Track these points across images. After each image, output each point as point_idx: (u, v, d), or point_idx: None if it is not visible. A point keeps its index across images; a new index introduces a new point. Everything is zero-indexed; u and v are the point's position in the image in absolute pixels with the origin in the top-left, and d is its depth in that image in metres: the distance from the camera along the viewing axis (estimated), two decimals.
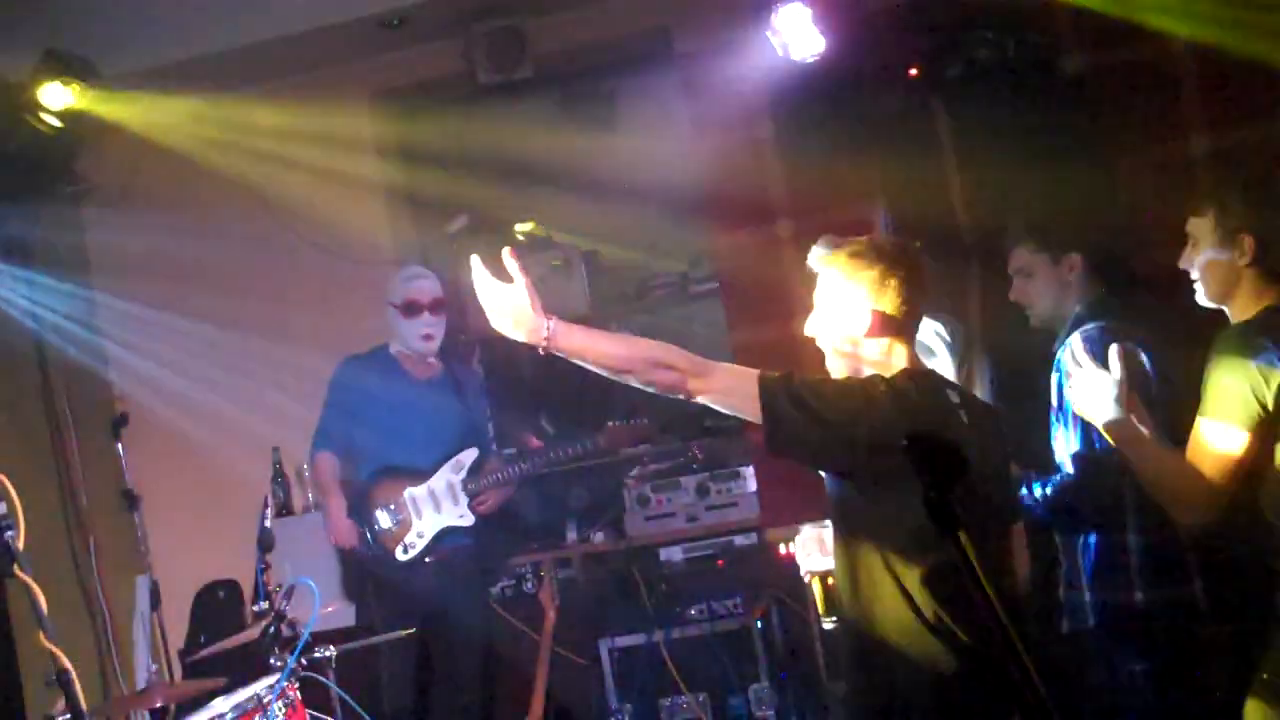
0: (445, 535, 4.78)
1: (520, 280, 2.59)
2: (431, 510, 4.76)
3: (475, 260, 2.60)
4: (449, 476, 4.78)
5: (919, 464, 1.79)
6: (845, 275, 2.72)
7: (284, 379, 5.61)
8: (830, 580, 3.07)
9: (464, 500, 4.77)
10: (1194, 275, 2.93)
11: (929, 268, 2.84)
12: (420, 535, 4.74)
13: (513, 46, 5.27)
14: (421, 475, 4.79)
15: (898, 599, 2.55)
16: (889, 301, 2.68)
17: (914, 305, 2.72)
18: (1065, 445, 3.29)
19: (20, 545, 2.66)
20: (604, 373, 2.59)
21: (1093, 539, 3.29)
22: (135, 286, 5.79)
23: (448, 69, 5.46)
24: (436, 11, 5.14)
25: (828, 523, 3.21)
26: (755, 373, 2.58)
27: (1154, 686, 3.22)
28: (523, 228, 6.55)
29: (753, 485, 5.21)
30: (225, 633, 4.89)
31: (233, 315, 5.71)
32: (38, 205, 5.17)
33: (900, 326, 2.71)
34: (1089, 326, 3.32)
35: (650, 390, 2.60)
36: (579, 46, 5.49)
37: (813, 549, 3.28)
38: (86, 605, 5.35)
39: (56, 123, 4.86)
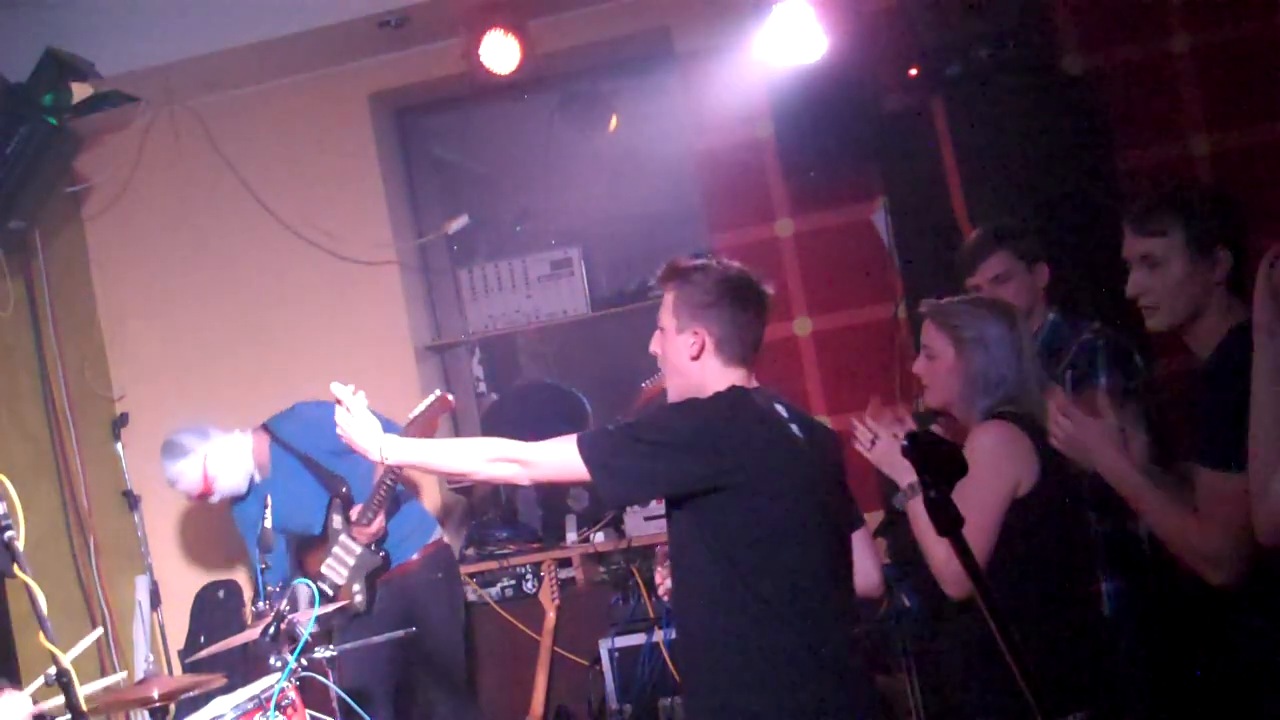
0: (377, 573, 4.76)
1: (359, 406, 2.77)
2: (348, 568, 4.74)
3: (336, 386, 2.79)
4: (338, 535, 4.75)
5: (919, 463, 1.79)
6: (679, 300, 2.81)
7: (284, 379, 5.61)
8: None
9: (360, 547, 4.73)
10: (1148, 302, 2.68)
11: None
12: (357, 591, 4.74)
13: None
14: (324, 542, 4.78)
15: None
16: (720, 327, 2.78)
17: (747, 330, 2.81)
18: None
19: (20, 545, 2.65)
20: (449, 477, 2.80)
21: (1103, 528, 3.34)
22: (135, 286, 5.80)
23: (448, 69, 5.46)
24: (437, 11, 5.13)
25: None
26: (573, 437, 2.67)
27: (1172, 671, 3.28)
28: (522, 227, 6.56)
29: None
30: (225, 633, 4.90)
31: (233, 315, 5.72)
32: (38, 205, 5.17)
33: (733, 351, 2.79)
34: (1102, 327, 3.39)
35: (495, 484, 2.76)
36: (579, 46, 5.49)
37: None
38: (86, 605, 5.36)
39: (56, 122, 4.87)
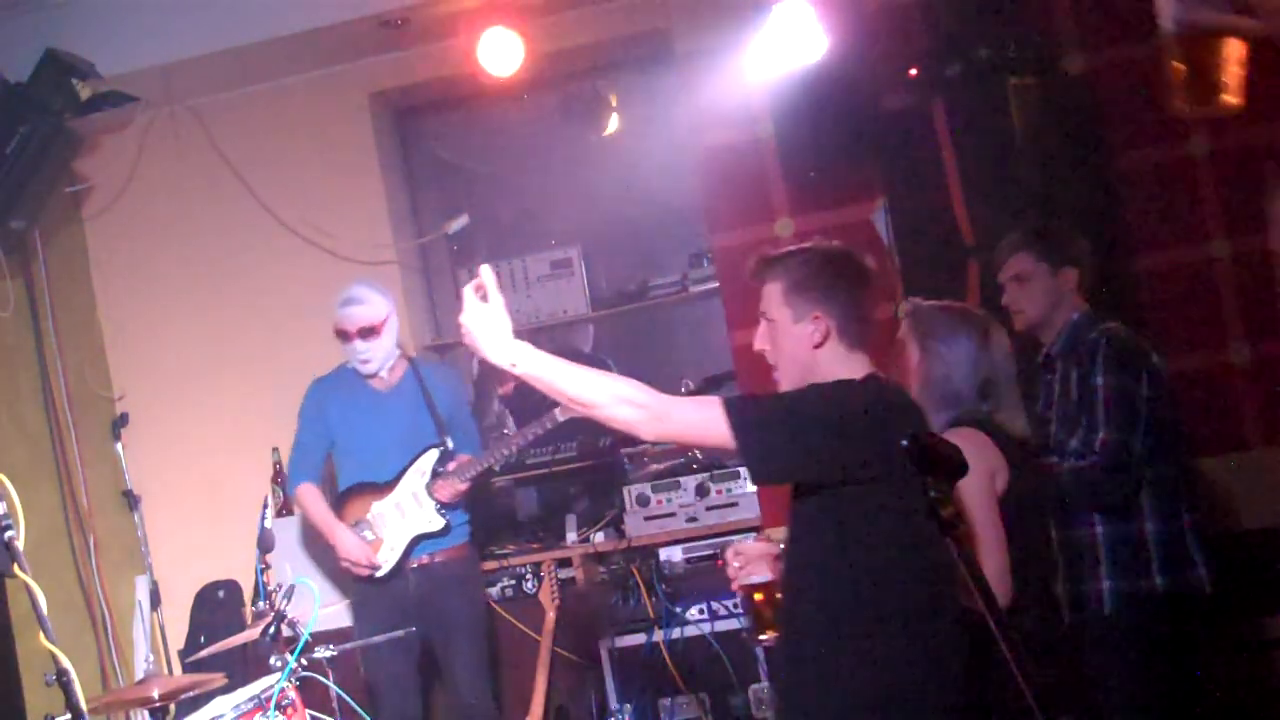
0: (421, 542, 4.74)
1: (498, 300, 2.44)
2: (399, 521, 4.72)
3: (486, 270, 2.45)
4: (413, 484, 4.73)
5: (920, 463, 1.80)
6: (790, 289, 2.64)
7: (284, 379, 5.61)
8: (760, 596, 3.00)
9: (430, 504, 4.70)
10: None
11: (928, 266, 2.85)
12: (392, 549, 4.71)
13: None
14: (388, 487, 4.76)
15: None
16: (841, 310, 2.62)
17: (866, 309, 2.67)
18: (1086, 434, 3.37)
19: (20, 545, 2.65)
20: (570, 404, 2.50)
21: (1106, 528, 3.39)
22: (135, 286, 5.80)
23: (448, 69, 5.46)
24: (437, 11, 5.14)
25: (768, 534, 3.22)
26: (717, 400, 2.48)
27: (1165, 673, 3.31)
28: (522, 226, 6.56)
29: (753, 485, 5.20)
30: (225, 633, 4.89)
31: (232, 315, 5.72)
32: (38, 205, 5.17)
33: (857, 334, 2.64)
34: (1110, 326, 3.40)
35: (611, 426, 2.51)
36: (579, 46, 5.50)
37: (755, 562, 3.12)
38: (86, 605, 5.36)
39: (57, 121, 4.87)
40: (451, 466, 4.69)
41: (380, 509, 4.74)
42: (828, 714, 2.55)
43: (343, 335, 4.73)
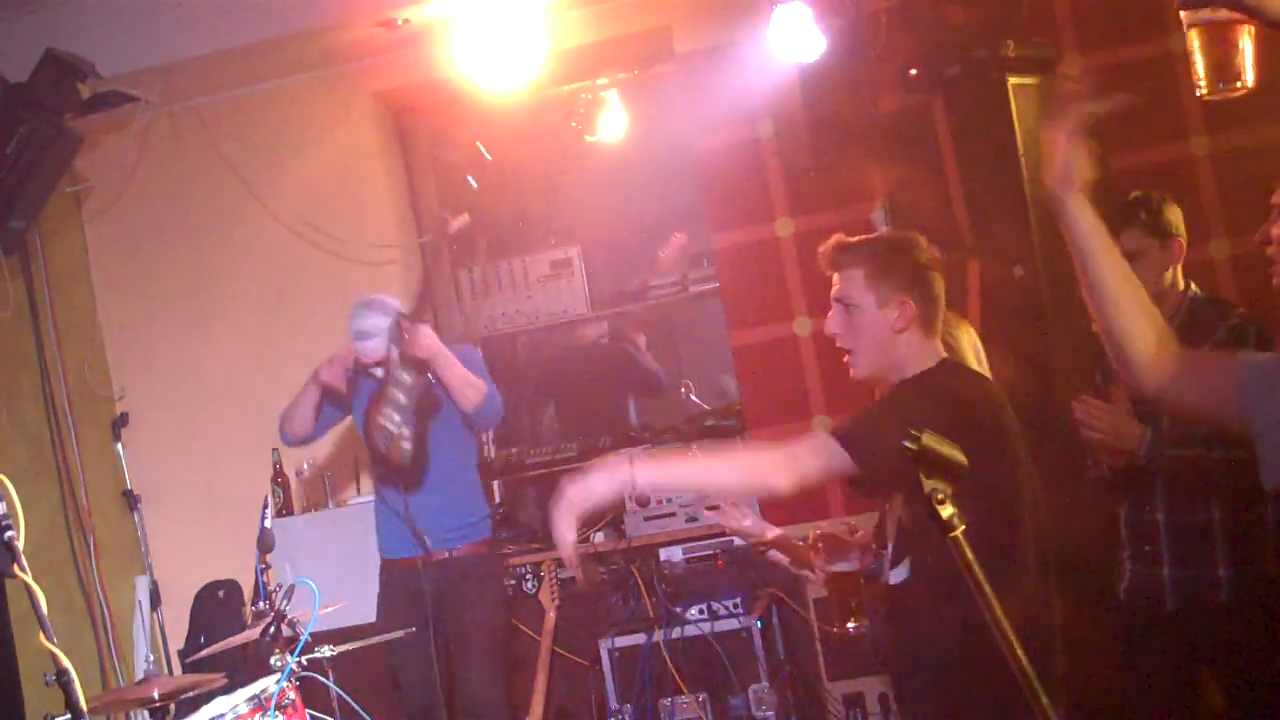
0: (426, 409, 4.62)
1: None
2: (399, 410, 4.56)
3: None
4: (393, 369, 4.58)
5: (919, 463, 1.80)
6: (875, 274, 2.67)
7: (284, 379, 5.60)
8: (846, 585, 2.97)
9: (411, 376, 4.55)
10: None
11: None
12: (406, 436, 4.55)
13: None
14: (380, 388, 4.62)
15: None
16: (923, 295, 2.66)
17: (942, 295, 2.71)
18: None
19: (20, 545, 2.65)
20: (711, 498, 2.55)
21: (1223, 514, 3.33)
22: (135, 286, 5.80)
23: (448, 69, 5.46)
24: (437, 11, 5.14)
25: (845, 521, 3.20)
26: (827, 435, 2.50)
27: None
28: (522, 228, 6.57)
29: None
30: (225, 633, 4.90)
31: (233, 315, 5.73)
32: (38, 205, 5.17)
33: (932, 320, 2.67)
34: (1245, 311, 3.37)
35: None
36: (580, 46, 5.50)
37: (839, 550, 3.09)
38: (86, 605, 5.36)
39: (57, 121, 4.87)
40: (403, 324, 4.56)
41: (387, 410, 4.57)
42: (945, 698, 2.55)
43: (359, 365, 4.70)
